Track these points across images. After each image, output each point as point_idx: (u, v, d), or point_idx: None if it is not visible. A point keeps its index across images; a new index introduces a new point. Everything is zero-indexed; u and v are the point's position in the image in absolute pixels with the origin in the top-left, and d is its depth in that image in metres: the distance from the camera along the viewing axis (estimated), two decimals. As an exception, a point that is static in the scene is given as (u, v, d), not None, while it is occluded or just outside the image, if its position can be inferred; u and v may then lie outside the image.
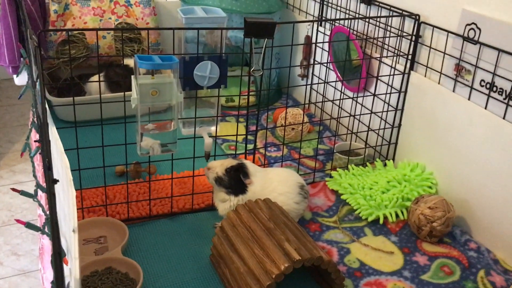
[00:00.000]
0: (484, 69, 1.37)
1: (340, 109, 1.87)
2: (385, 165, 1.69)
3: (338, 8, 1.94)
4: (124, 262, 1.23)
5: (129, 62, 2.02)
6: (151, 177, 1.57)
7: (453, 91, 1.48)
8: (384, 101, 1.69)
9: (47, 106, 0.99)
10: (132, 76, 1.25)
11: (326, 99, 1.93)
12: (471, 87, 1.41)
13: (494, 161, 1.33)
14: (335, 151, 1.73)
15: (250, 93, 2.11)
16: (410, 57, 1.60)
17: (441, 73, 1.52)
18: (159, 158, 1.40)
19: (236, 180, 1.34)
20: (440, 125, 1.51)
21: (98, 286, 1.17)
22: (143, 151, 1.30)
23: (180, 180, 1.57)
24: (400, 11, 1.62)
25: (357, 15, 1.84)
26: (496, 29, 1.32)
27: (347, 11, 1.89)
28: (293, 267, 1.09)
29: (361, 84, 1.76)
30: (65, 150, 0.94)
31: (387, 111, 1.69)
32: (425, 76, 1.58)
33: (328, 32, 1.93)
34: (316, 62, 2.03)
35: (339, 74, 1.87)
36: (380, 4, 1.70)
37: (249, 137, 1.83)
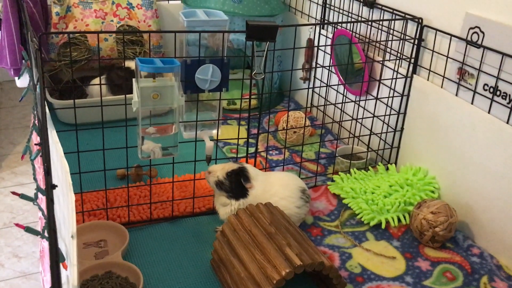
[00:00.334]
0: (487, 73, 1.36)
1: (342, 112, 1.86)
2: (387, 169, 1.68)
3: (341, 11, 1.93)
4: (124, 266, 1.23)
5: (131, 64, 2.02)
6: (152, 180, 1.56)
7: (456, 95, 1.47)
8: (387, 105, 1.69)
9: (47, 110, 0.99)
10: (134, 79, 1.25)
11: (328, 103, 1.93)
12: (474, 91, 1.40)
13: (497, 165, 1.32)
14: (337, 154, 1.72)
15: (252, 96, 2.11)
16: (412, 60, 1.59)
17: (444, 77, 1.51)
18: (160, 161, 1.39)
19: (237, 184, 1.33)
20: (443, 129, 1.50)
21: (98, 290, 1.16)
22: (144, 155, 1.30)
23: (181, 184, 1.56)
24: (403, 15, 1.61)
25: (359, 18, 1.83)
26: (499, 32, 1.31)
27: (350, 14, 1.88)
28: (294, 273, 1.08)
29: (364, 87, 1.75)
30: (65, 153, 0.93)
31: (390, 114, 1.68)
32: (427, 80, 1.57)
33: (330, 35, 1.93)
34: (318, 65, 2.03)
35: (341, 78, 1.87)
36: (383, 8, 1.70)
37: (251, 140, 1.82)
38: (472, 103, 1.41)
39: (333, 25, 1.94)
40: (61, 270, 0.77)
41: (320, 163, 1.78)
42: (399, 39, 1.63)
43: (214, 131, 1.42)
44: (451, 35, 1.46)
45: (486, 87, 1.37)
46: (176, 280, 1.24)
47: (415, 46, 1.58)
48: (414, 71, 1.60)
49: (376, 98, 1.70)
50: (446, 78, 1.50)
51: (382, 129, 1.72)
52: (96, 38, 2.11)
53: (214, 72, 1.30)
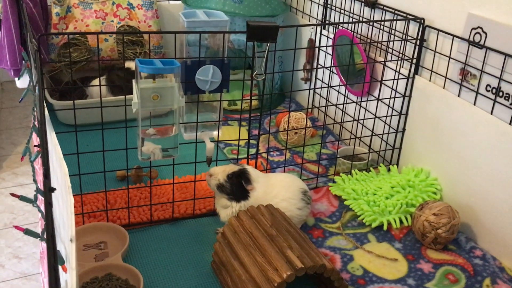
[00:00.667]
0: (490, 74, 1.35)
1: (343, 113, 1.85)
2: (389, 170, 1.68)
3: (342, 11, 1.92)
4: (124, 268, 1.22)
5: (131, 65, 2.01)
6: (152, 182, 1.56)
7: (458, 96, 1.46)
8: (388, 106, 1.68)
9: (47, 111, 0.98)
10: (133, 80, 1.24)
11: (329, 103, 1.92)
12: (477, 92, 1.39)
13: (499, 167, 1.31)
14: (338, 156, 1.71)
15: (253, 97, 2.10)
16: (414, 61, 1.58)
17: (446, 77, 1.50)
18: (160, 162, 1.39)
19: (238, 186, 1.32)
20: (445, 130, 1.49)
21: (97, 293, 1.15)
22: (144, 156, 1.29)
23: (182, 185, 1.56)
24: (405, 15, 1.60)
25: (361, 19, 1.82)
26: (502, 33, 1.30)
27: (351, 15, 1.87)
28: (296, 275, 1.08)
29: (365, 88, 1.74)
30: (65, 154, 0.93)
31: (391, 115, 1.67)
32: (429, 80, 1.56)
33: (331, 36, 1.92)
34: (319, 66, 2.02)
35: (342, 78, 1.86)
36: (384, 8, 1.69)
37: (252, 141, 1.81)
38: (474, 104, 1.40)
39: (334, 25, 1.93)
40: (61, 273, 0.76)
41: (322, 164, 1.77)
42: (400, 39, 1.62)
43: (215, 132, 1.42)
44: (453, 36, 1.45)
45: (488, 88, 1.36)
46: (176, 282, 1.23)
47: (417, 47, 1.57)
48: (416, 72, 1.59)
49: (378, 99, 1.69)
50: (448, 78, 1.49)
51: (383, 130, 1.71)
52: (96, 39, 2.11)
53: (215, 73, 1.29)
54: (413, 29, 1.59)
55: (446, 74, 1.50)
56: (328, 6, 2.01)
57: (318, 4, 2.07)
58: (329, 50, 1.94)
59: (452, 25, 1.47)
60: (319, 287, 1.23)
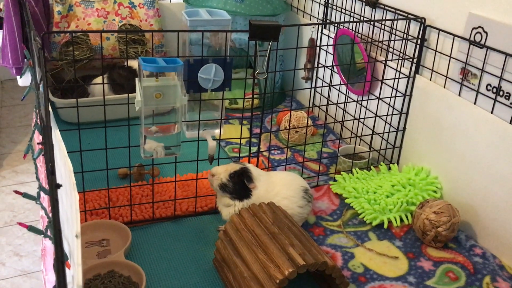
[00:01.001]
0: (490, 73, 1.36)
1: (344, 112, 1.86)
2: (389, 169, 1.68)
3: (343, 10, 1.93)
4: (127, 265, 1.23)
5: (133, 63, 2.02)
6: (154, 179, 1.56)
7: (459, 95, 1.46)
8: (389, 105, 1.68)
9: (50, 109, 0.99)
10: (136, 79, 1.25)
11: (330, 102, 1.92)
12: (477, 91, 1.40)
13: (500, 166, 1.32)
14: (339, 154, 1.72)
15: (254, 96, 2.11)
16: (415, 60, 1.59)
17: (446, 77, 1.51)
18: (162, 160, 1.39)
19: (240, 185, 1.33)
20: (446, 129, 1.50)
21: (100, 289, 1.16)
22: (146, 154, 1.30)
23: (184, 183, 1.56)
24: (406, 14, 1.61)
25: (362, 18, 1.83)
26: (503, 33, 1.31)
27: (352, 14, 1.88)
28: (297, 272, 1.08)
29: (366, 87, 1.75)
30: (68, 152, 0.93)
31: (392, 114, 1.68)
32: (430, 79, 1.57)
33: (332, 35, 1.92)
34: (320, 65, 2.02)
35: (343, 77, 1.86)
36: (385, 7, 1.70)
37: (253, 140, 1.82)
38: (475, 103, 1.41)
39: (336, 24, 1.93)
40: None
41: (322, 162, 1.77)
42: (401, 39, 1.63)
43: (217, 131, 1.42)
44: (454, 35, 1.46)
45: (489, 87, 1.37)
46: (178, 280, 1.24)
47: (418, 46, 1.58)
48: (416, 71, 1.60)
49: (379, 98, 1.70)
50: (449, 78, 1.50)
51: (384, 129, 1.71)
52: (98, 37, 2.11)
53: (217, 72, 1.30)
54: (414, 28, 1.60)
55: (447, 74, 1.50)
56: (329, 5, 2.01)
57: (319, 3, 2.07)
58: (330, 49, 1.95)
59: (452, 25, 1.48)
60: (321, 284, 1.23)
